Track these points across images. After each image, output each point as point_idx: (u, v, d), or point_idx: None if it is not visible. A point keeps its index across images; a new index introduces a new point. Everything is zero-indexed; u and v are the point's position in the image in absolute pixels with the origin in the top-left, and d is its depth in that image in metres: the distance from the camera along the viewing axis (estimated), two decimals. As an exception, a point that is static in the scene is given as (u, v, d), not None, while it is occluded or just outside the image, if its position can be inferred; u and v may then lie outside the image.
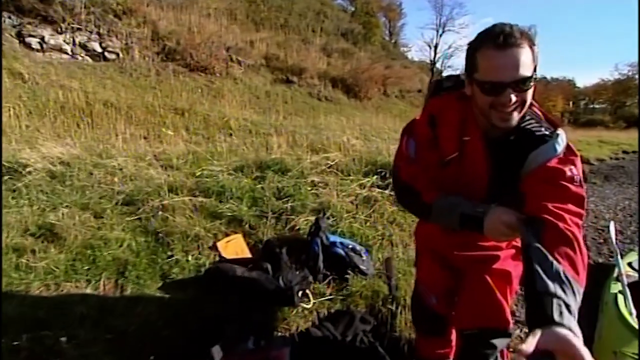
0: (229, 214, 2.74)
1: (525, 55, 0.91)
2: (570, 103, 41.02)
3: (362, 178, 3.61)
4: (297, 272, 2.13)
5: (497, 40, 0.91)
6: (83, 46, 7.59)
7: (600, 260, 3.68)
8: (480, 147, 1.09)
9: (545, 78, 45.47)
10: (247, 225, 2.66)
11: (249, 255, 2.41)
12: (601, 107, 40.55)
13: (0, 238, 2.09)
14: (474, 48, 0.97)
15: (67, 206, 2.64)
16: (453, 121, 1.12)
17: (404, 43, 35.77)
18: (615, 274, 2.67)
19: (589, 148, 11.30)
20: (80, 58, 7.53)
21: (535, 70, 0.95)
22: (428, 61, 33.72)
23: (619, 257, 2.79)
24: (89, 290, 1.92)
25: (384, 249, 2.61)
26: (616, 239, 3.32)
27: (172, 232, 2.45)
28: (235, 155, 4.24)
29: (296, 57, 12.12)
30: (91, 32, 7.68)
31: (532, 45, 0.93)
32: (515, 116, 0.98)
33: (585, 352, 0.63)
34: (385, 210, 3.07)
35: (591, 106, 41.89)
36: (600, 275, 3.12)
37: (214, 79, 9.05)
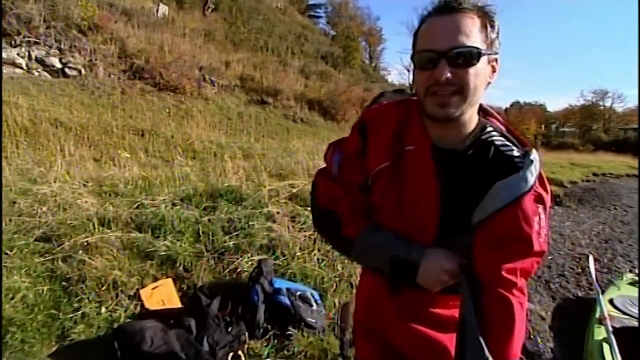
0: (163, 252, 2.36)
1: (469, 22, 0.72)
2: (543, 126, 42.79)
3: (326, 207, 3.29)
4: (229, 329, 1.75)
5: (438, 7, 0.75)
6: (40, 61, 7.15)
7: (580, 294, 3.45)
8: (427, 159, 0.82)
9: (519, 102, 47.71)
10: (181, 267, 2.27)
11: (178, 305, 2.01)
12: (570, 130, 42.46)
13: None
14: (419, 25, 0.79)
15: (-39, 245, 2.19)
16: (389, 126, 0.87)
17: (383, 67, 36.87)
18: (597, 315, 2.43)
19: (562, 170, 11.50)
20: (36, 73, 7.08)
21: (490, 49, 0.75)
22: (407, 84, 34.62)
23: (600, 296, 2.56)
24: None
25: (341, 293, 2.26)
26: (596, 275, 3.12)
27: (87, 277, 2.04)
28: (192, 181, 3.87)
29: (272, 78, 11.97)
30: (50, 47, 7.27)
31: (483, 16, 0.74)
32: (456, 103, 0.74)
33: None
34: (347, 244, 2.75)
35: (561, 129, 43.81)
36: (580, 312, 2.89)
37: (183, 99, 8.70)
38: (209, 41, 13.21)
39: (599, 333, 2.24)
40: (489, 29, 0.75)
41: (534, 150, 0.81)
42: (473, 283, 0.79)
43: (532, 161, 0.78)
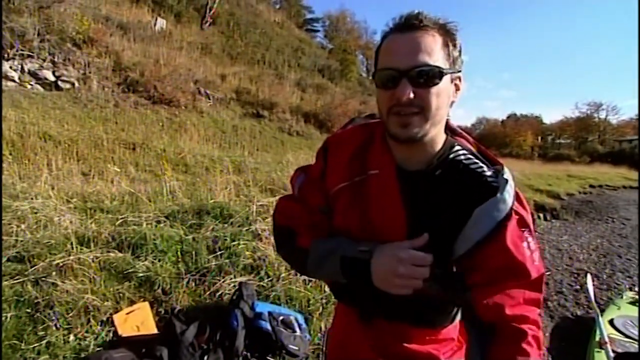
0: (142, 273, 2.24)
1: (429, 40, 0.70)
2: (539, 138, 43.13)
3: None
4: (206, 358, 1.64)
5: (399, 24, 0.72)
6: (33, 74, 7.11)
7: (579, 313, 3.34)
8: (391, 182, 0.78)
9: (515, 114, 48.21)
10: (159, 289, 2.15)
11: (154, 331, 1.90)
12: (566, 142, 42.80)
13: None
14: (380, 42, 0.76)
15: None
16: (348, 147, 0.85)
17: (380, 80, 37.02)
18: (597, 338, 2.33)
19: (558, 182, 11.48)
20: (29, 86, 7.02)
21: (452, 67, 0.73)
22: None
23: (600, 318, 2.45)
24: None
25: (328, 316, 2.15)
26: (595, 293, 3.01)
27: (57, 301, 1.92)
28: (179, 197, 3.77)
29: (268, 91, 11.97)
30: (44, 60, 7.24)
31: (445, 34, 0.72)
32: (418, 123, 0.72)
33: None
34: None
35: (558, 141, 44.13)
36: (580, 333, 2.77)
37: (178, 112, 8.65)
38: (206, 54, 13.28)
39: (600, 358, 2.13)
40: (450, 47, 0.72)
41: (505, 169, 0.77)
42: (479, 327, 0.75)
43: (506, 180, 0.74)
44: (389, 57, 0.72)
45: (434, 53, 0.70)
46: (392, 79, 0.70)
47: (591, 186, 12.56)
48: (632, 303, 2.90)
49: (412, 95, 0.69)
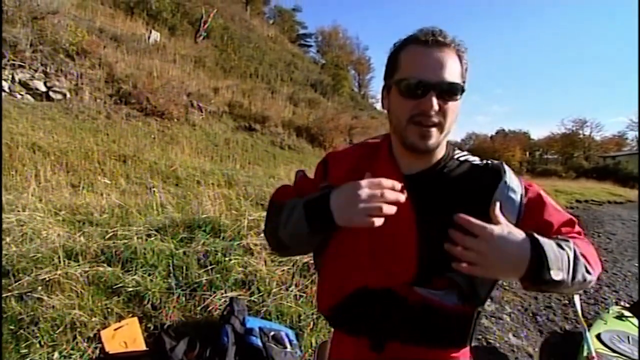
0: (131, 288, 2.21)
1: (453, 60, 0.76)
2: (527, 153, 44.03)
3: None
4: (195, 376, 1.61)
5: (424, 38, 0.76)
6: (24, 84, 7.07)
7: (568, 327, 3.37)
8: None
9: (503, 130, 49.23)
10: (149, 304, 2.12)
11: (142, 347, 1.86)
12: (553, 157, 43.78)
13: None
14: (398, 49, 0.80)
15: None
16: (347, 162, 0.88)
17: (372, 95, 37.70)
18: (585, 353, 2.35)
19: (547, 198, 11.67)
20: (19, 96, 6.97)
21: (463, 85, 0.78)
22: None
23: (587, 333, 2.48)
24: None
25: (319, 332, 2.14)
26: (582, 308, 3.05)
27: (42, 317, 1.88)
28: (169, 211, 3.75)
29: (261, 105, 12.07)
30: (36, 71, 7.21)
31: (461, 55, 0.77)
32: (436, 135, 0.76)
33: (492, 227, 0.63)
34: (328, 278, 2.63)
35: (545, 157, 45.11)
36: (568, 348, 2.80)
37: (170, 125, 8.64)
38: (199, 67, 13.37)
39: (588, 374, 2.15)
40: (463, 65, 0.78)
41: (503, 162, 0.84)
42: None
43: (504, 167, 0.82)
44: (416, 68, 0.74)
45: (457, 70, 0.75)
46: (423, 90, 0.73)
47: (577, 201, 12.80)
48: (619, 317, 2.94)
49: (436, 107, 0.73)
